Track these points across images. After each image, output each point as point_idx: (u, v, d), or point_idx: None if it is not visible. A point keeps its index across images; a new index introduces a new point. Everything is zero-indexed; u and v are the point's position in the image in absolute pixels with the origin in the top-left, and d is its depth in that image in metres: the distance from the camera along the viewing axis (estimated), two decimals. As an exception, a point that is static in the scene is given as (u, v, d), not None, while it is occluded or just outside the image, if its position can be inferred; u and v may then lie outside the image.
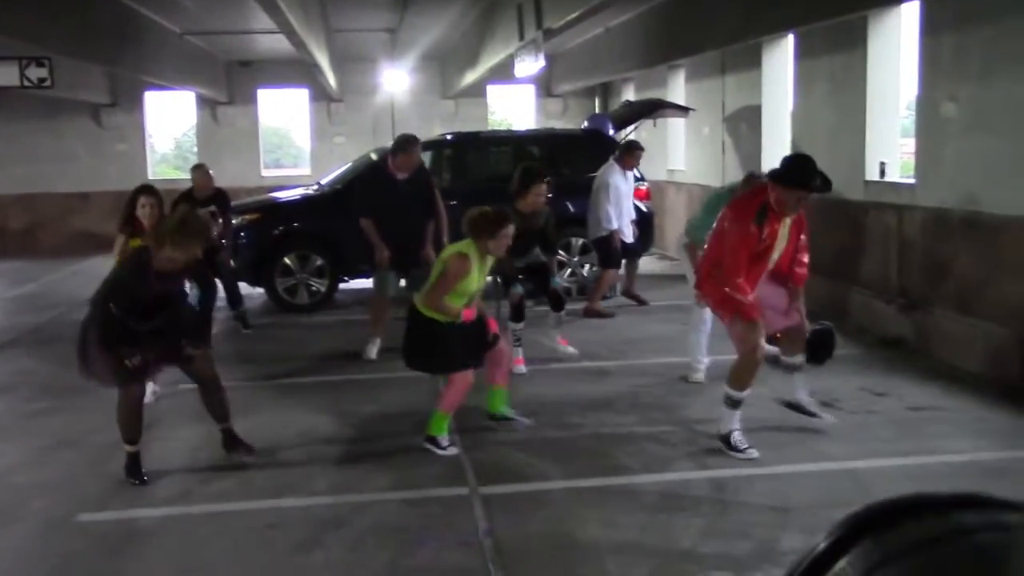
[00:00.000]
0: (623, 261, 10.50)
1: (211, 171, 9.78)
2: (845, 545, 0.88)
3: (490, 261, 5.97)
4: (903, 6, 8.53)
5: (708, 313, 6.80)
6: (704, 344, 7.28)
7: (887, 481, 5.06)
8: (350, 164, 12.61)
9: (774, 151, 11.34)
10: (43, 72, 9.94)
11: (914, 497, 0.92)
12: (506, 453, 5.83)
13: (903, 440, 5.90)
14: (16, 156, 18.23)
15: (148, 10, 12.99)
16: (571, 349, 8.19)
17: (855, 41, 9.11)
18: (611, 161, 10.26)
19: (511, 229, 5.79)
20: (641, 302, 10.65)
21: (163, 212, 7.37)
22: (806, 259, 5.95)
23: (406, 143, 8.26)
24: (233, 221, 10.11)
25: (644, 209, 11.40)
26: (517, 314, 7.76)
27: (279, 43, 14.31)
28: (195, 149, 28.06)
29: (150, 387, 6.26)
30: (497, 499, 5.11)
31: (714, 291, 5.79)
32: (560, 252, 11.70)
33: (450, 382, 5.88)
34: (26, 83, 9.96)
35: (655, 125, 14.89)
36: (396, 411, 6.78)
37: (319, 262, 11.04)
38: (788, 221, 5.59)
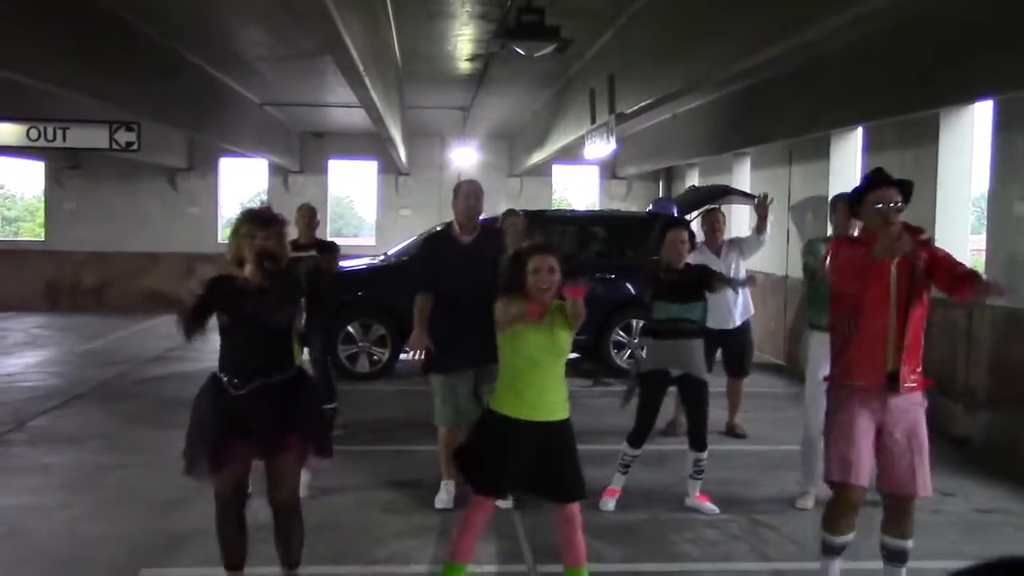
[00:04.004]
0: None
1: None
2: None
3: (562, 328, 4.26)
4: (976, 104, 8.57)
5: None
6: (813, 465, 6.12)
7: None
8: (416, 236, 12.84)
9: (840, 242, 11.31)
10: (131, 136, 10.33)
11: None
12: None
13: (969, 543, 5.76)
14: (93, 215, 18.86)
15: (232, 81, 13.52)
16: (713, 507, 6.32)
17: (926, 136, 9.13)
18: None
19: (547, 260, 4.23)
20: (738, 435, 8.54)
21: None
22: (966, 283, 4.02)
23: (458, 186, 6.44)
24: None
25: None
26: (694, 439, 6.28)
27: (351, 116, 14.76)
28: (263, 215, 28.88)
29: (304, 476, 4.99)
30: (554, 578, 5.09)
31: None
32: (619, 333, 11.71)
33: (467, 508, 4.46)
34: (115, 146, 10.35)
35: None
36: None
37: (381, 331, 11.19)
38: (893, 266, 4.11)
